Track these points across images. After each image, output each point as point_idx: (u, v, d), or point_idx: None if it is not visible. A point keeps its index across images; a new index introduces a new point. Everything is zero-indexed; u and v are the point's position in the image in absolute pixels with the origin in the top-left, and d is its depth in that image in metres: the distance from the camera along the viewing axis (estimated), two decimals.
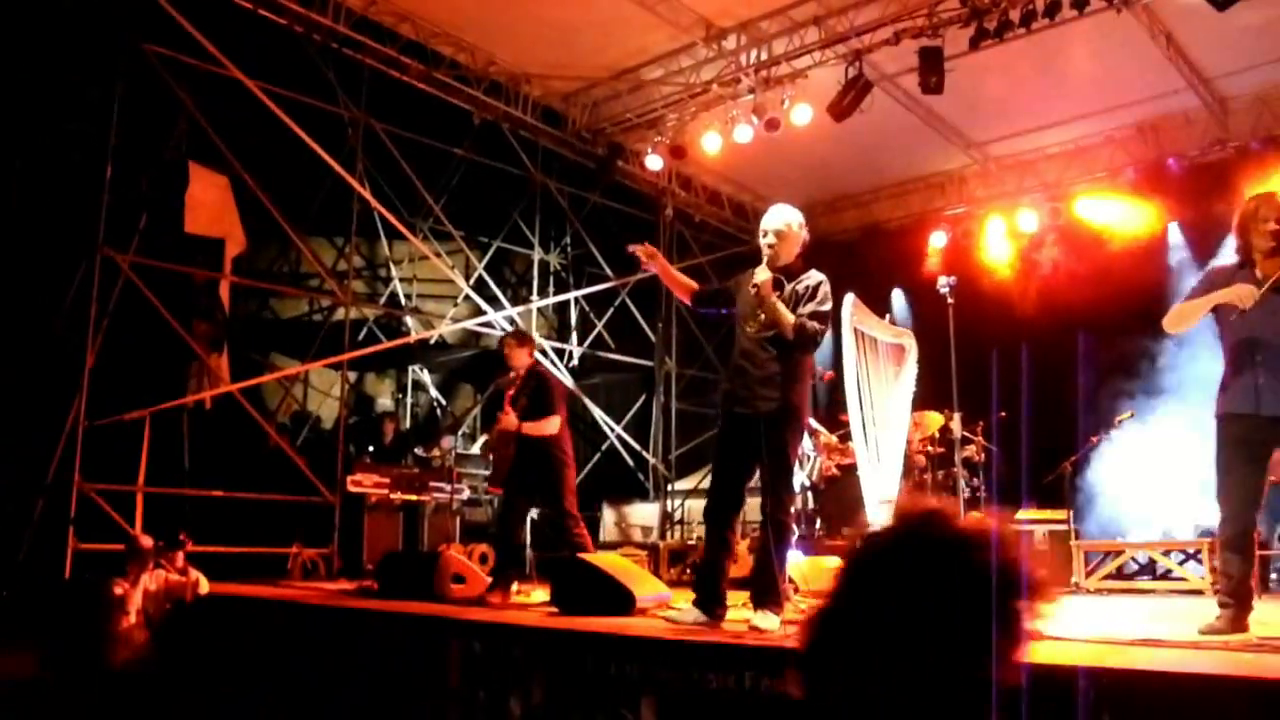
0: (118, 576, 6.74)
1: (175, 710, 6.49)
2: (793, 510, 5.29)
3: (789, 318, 5.02)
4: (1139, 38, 9.88)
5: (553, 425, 7.05)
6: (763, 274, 5.04)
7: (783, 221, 5.22)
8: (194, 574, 6.98)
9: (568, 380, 12.79)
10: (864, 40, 10.01)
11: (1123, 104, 11.29)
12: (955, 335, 5.80)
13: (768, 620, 4.83)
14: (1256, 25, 9.50)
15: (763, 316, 5.06)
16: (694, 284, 5.40)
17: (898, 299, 13.09)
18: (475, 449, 10.30)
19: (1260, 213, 4.84)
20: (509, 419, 6.98)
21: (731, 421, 5.11)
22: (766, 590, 5.00)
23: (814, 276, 5.19)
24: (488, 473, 8.74)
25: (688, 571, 10.22)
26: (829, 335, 5.57)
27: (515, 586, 7.01)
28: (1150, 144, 11.81)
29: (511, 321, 11.85)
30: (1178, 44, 10.23)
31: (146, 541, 6.88)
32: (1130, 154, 11.99)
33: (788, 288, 5.12)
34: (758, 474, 5.17)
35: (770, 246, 5.15)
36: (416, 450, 10.82)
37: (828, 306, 5.12)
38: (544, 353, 12.63)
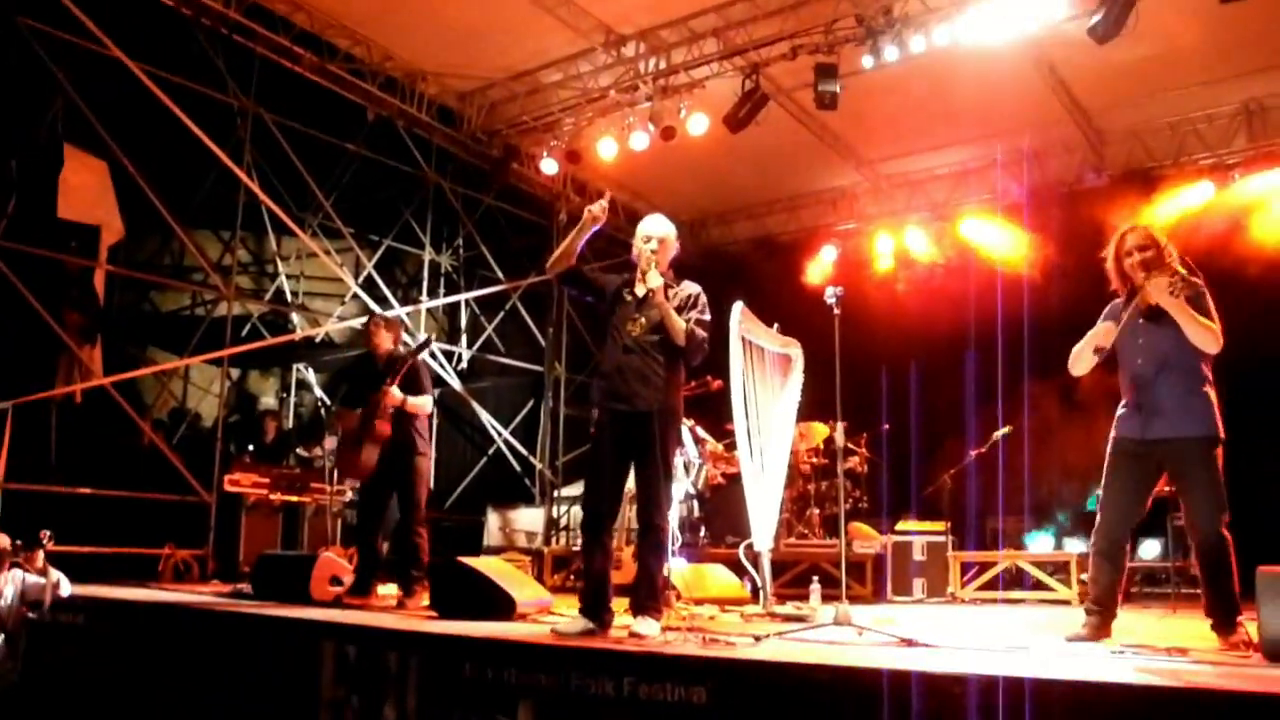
0: None
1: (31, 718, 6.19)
2: (670, 516, 5.33)
3: (680, 323, 5.12)
4: (1024, 68, 10.18)
5: (429, 404, 7.04)
6: (655, 279, 5.12)
7: (663, 230, 5.33)
8: (54, 575, 6.63)
9: (455, 383, 12.64)
10: (761, 54, 10.15)
11: (1007, 130, 11.60)
12: (842, 349, 5.83)
13: (648, 626, 4.82)
14: (1129, 63, 9.88)
15: (644, 320, 5.14)
16: (573, 262, 5.34)
17: (785, 309, 13.22)
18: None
19: (1125, 246, 5.02)
20: (393, 393, 6.83)
21: (611, 418, 5.13)
22: (648, 597, 5.00)
23: (692, 286, 5.32)
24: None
25: (571, 577, 10.15)
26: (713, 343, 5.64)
27: (379, 589, 6.91)
28: (1032, 169, 12.12)
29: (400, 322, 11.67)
30: (1060, 76, 10.59)
31: (2, 541, 6.54)
32: (1013, 178, 12.30)
33: (670, 294, 5.20)
34: (634, 480, 5.19)
35: (654, 252, 5.21)
36: (298, 450, 10.57)
37: (708, 317, 5.26)
38: (434, 355, 12.45)
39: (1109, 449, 4.98)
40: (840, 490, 6.45)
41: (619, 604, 5.15)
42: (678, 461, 8.90)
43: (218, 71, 9.88)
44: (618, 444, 5.11)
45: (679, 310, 5.17)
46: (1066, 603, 8.10)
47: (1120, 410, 4.99)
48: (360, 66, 10.94)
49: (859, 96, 10.14)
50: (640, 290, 5.18)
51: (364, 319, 11.50)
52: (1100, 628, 4.84)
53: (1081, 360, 4.99)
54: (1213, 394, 4.82)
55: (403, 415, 6.92)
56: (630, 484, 5.29)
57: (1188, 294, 4.77)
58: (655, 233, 5.28)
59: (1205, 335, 4.72)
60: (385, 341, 7.21)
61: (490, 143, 12.31)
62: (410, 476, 6.92)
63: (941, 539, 8.77)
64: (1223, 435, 4.76)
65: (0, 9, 8.42)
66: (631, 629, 4.82)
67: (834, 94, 9.83)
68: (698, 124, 10.72)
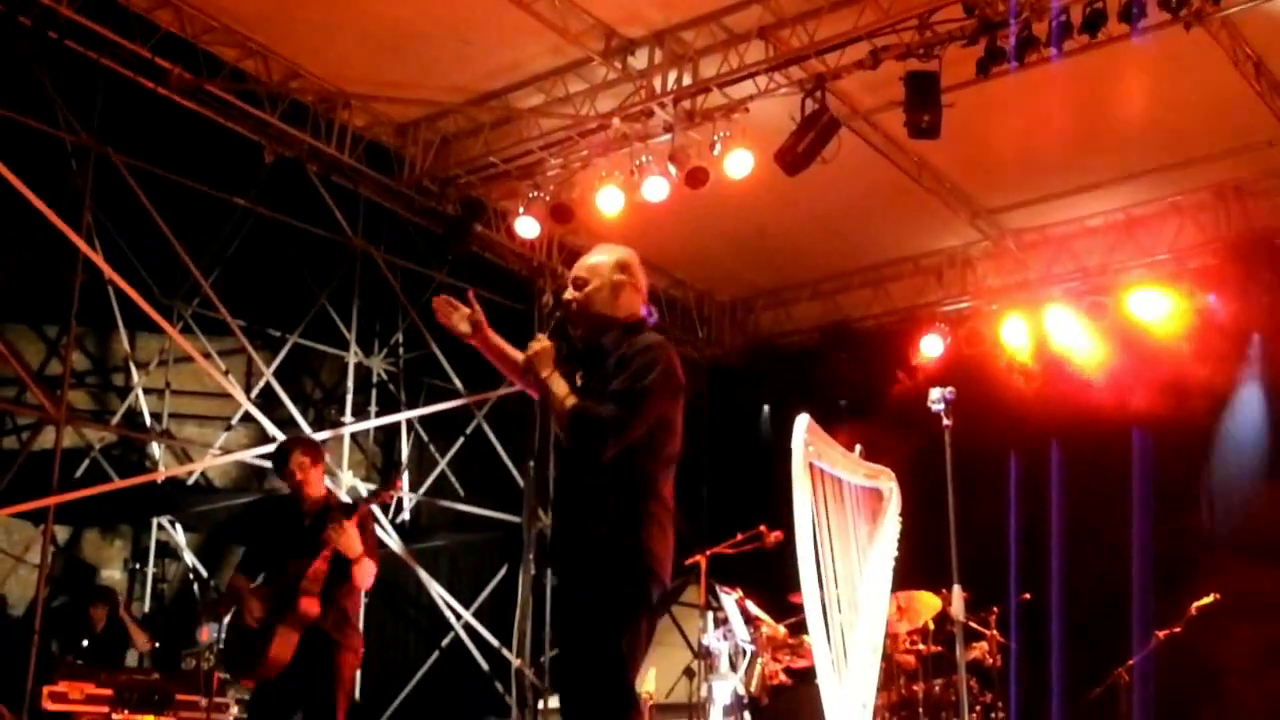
0: None
1: None
2: None
3: (559, 395, 4.71)
4: (1217, 65, 10.09)
5: (373, 576, 6.94)
6: (540, 341, 4.80)
7: (595, 258, 5.00)
8: None
9: (392, 543, 12.37)
10: (828, 61, 10.09)
11: (1194, 158, 11.56)
12: (959, 481, 5.62)
13: None
14: None
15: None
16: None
17: (871, 425, 13.12)
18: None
19: None
20: (351, 535, 6.69)
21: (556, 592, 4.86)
22: None
23: (645, 339, 4.82)
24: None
25: None
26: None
27: None
28: (1234, 213, 12.12)
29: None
30: (1270, 74, 10.47)
31: None
32: (1204, 228, 12.29)
33: (613, 357, 4.77)
34: None
35: (570, 301, 4.91)
36: (156, 646, 10.48)
37: (649, 378, 4.66)
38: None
39: None
40: (962, 693, 6.16)
41: None
42: (722, 650, 8.66)
43: (44, 93, 9.84)
44: (562, 631, 4.91)
45: (609, 377, 4.71)
46: None
47: None
48: (254, 87, 10.94)
49: (972, 117, 10.08)
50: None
51: (259, 450, 11.31)
52: None
53: None
54: None
55: (339, 589, 6.84)
56: None
57: None
58: (580, 269, 4.97)
59: None
60: (317, 484, 7.15)
61: (442, 195, 12.33)
62: (331, 684, 6.77)
63: None
64: None
65: None
66: None
67: (935, 116, 9.69)
68: (739, 163, 10.74)
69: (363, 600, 7.21)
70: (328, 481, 7.56)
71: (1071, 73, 9.85)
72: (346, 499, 11.46)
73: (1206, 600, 9.02)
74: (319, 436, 11.86)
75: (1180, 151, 11.45)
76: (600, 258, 4.97)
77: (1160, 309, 12.26)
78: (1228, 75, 10.21)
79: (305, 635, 6.74)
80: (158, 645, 10.01)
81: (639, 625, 4.50)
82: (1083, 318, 12.68)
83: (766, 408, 14.41)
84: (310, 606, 6.67)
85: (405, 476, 7.76)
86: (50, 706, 8.94)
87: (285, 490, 7.31)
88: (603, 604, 4.49)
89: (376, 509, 11.99)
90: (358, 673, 7.28)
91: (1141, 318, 12.35)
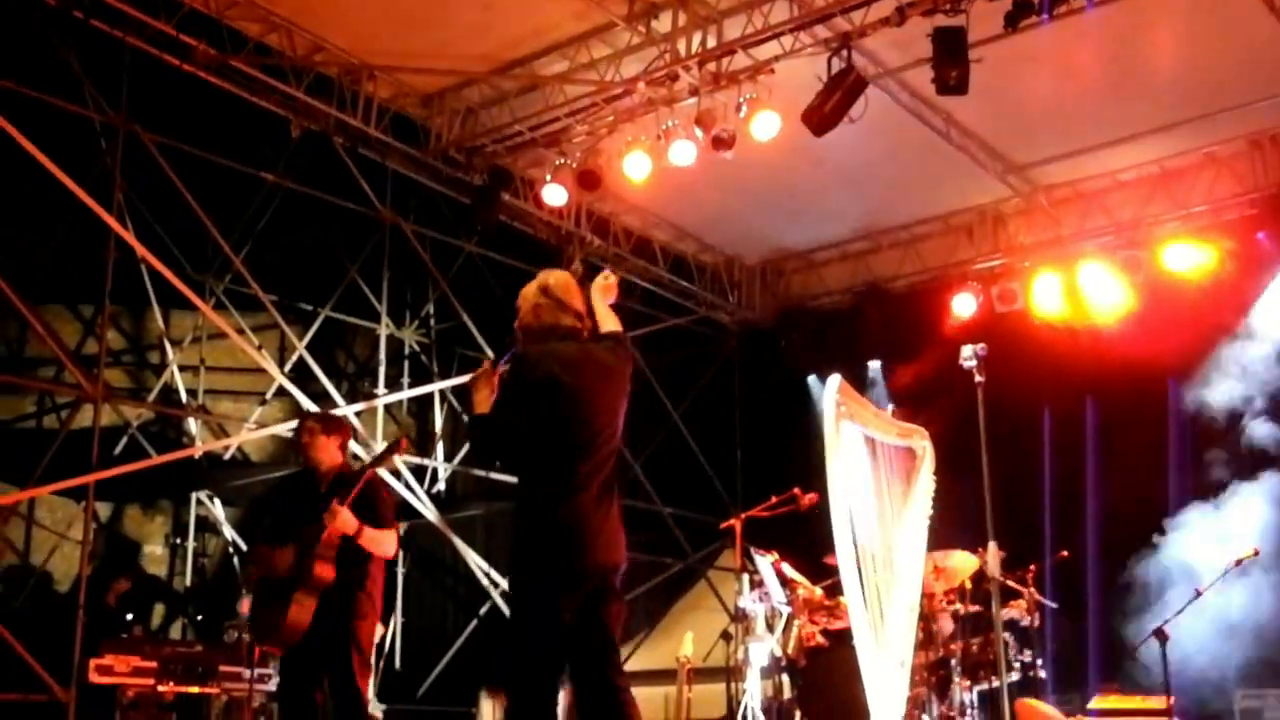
0: None
1: None
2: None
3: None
4: (1251, 12, 10.00)
5: (393, 543, 7.07)
6: (483, 365, 5.58)
7: (521, 294, 5.61)
8: None
9: (428, 512, 12.44)
10: (854, 19, 10.05)
11: (1228, 107, 11.46)
12: (993, 440, 5.62)
13: None
14: None
15: None
16: None
17: (903, 385, 13.09)
18: None
19: None
20: (344, 516, 6.69)
21: None
22: None
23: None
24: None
25: None
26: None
27: None
28: (1270, 163, 12.04)
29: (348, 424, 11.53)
30: None
31: None
32: (1240, 179, 12.21)
33: None
34: None
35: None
36: (200, 619, 10.44)
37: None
38: (396, 474, 12.25)
39: None
40: (1000, 651, 6.17)
41: None
42: (759, 613, 8.70)
43: (71, 73, 9.85)
44: None
45: None
46: None
47: None
48: (279, 61, 10.93)
49: (1000, 72, 10.07)
50: None
51: (293, 424, 11.39)
52: None
53: None
54: None
55: (351, 557, 6.81)
56: None
57: None
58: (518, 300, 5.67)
59: None
60: (328, 452, 7.12)
61: (469, 165, 12.31)
62: (348, 648, 6.79)
63: None
64: None
65: None
66: None
67: (963, 72, 9.67)
68: (765, 125, 10.68)
69: (383, 566, 7.17)
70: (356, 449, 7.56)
71: (1102, 24, 9.82)
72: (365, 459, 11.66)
73: (1247, 554, 8.99)
74: (353, 409, 11.93)
75: (1214, 101, 11.34)
76: (529, 286, 5.62)
77: (1196, 261, 12.18)
78: (1262, 22, 10.12)
79: (323, 600, 6.75)
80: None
81: (519, 611, 5.36)
82: (1117, 272, 12.60)
83: (799, 370, 14.39)
84: (323, 571, 6.69)
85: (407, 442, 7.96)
86: (97, 679, 9.07)
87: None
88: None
89: (397, 472, 12.17)
90: (378, 636, 7.30)
91: (1177, 271, 12.25)
